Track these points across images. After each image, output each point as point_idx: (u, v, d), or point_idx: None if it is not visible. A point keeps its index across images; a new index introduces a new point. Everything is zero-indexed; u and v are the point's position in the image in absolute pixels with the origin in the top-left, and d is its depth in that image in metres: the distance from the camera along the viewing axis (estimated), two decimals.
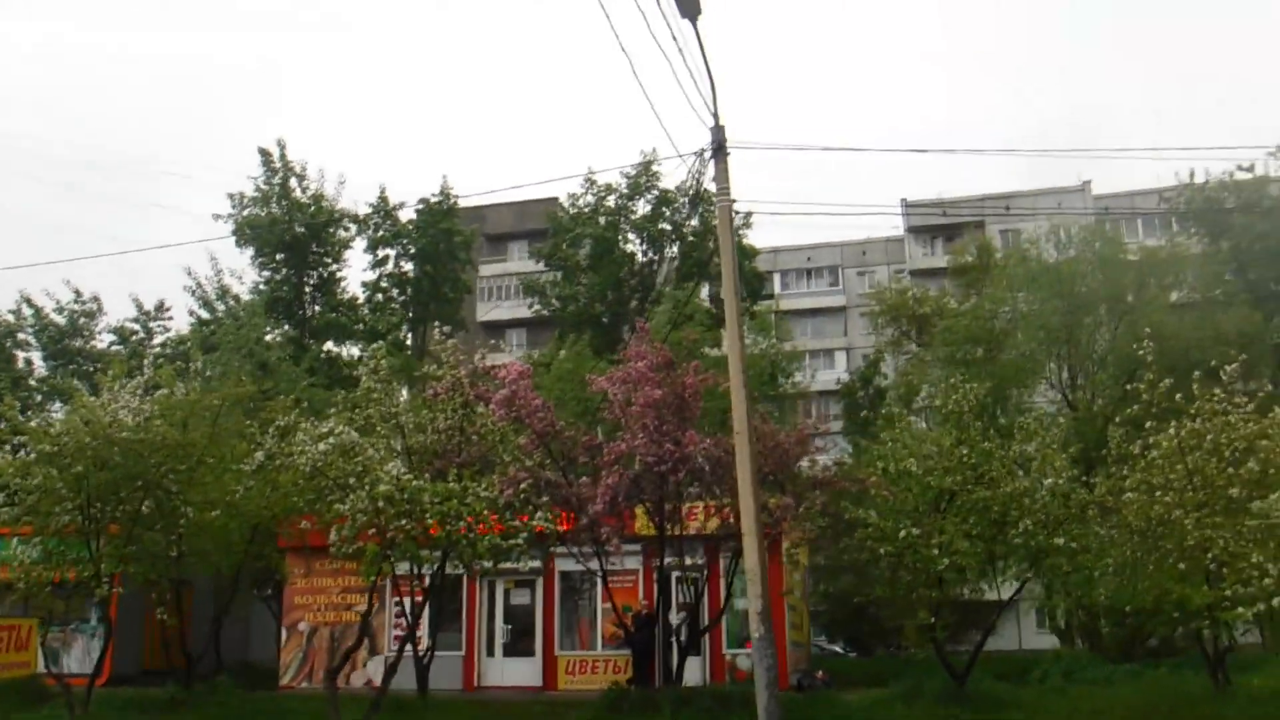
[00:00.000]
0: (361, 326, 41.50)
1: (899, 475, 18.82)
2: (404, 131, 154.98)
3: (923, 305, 41.22)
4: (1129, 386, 19.40)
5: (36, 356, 39.89)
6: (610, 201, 43.58)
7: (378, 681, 22.86)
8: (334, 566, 24.55)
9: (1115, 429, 18.06)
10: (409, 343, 42.98)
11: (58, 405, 35.56)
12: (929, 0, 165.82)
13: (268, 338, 36.99)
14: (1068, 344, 31.10)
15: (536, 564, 23.09)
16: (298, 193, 41.23)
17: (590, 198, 43.90)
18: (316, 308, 41.83)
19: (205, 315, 40.28)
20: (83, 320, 40.05)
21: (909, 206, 65.04)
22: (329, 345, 41.99)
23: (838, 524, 19.74)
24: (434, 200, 42.54)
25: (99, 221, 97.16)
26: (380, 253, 42.95)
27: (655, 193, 43.04)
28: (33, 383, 38.02)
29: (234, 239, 40.12)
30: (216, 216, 40.60)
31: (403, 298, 43.49)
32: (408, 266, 43.25)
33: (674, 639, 22.32)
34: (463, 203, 43.84)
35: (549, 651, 25.63)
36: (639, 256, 44.09)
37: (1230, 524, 15.65)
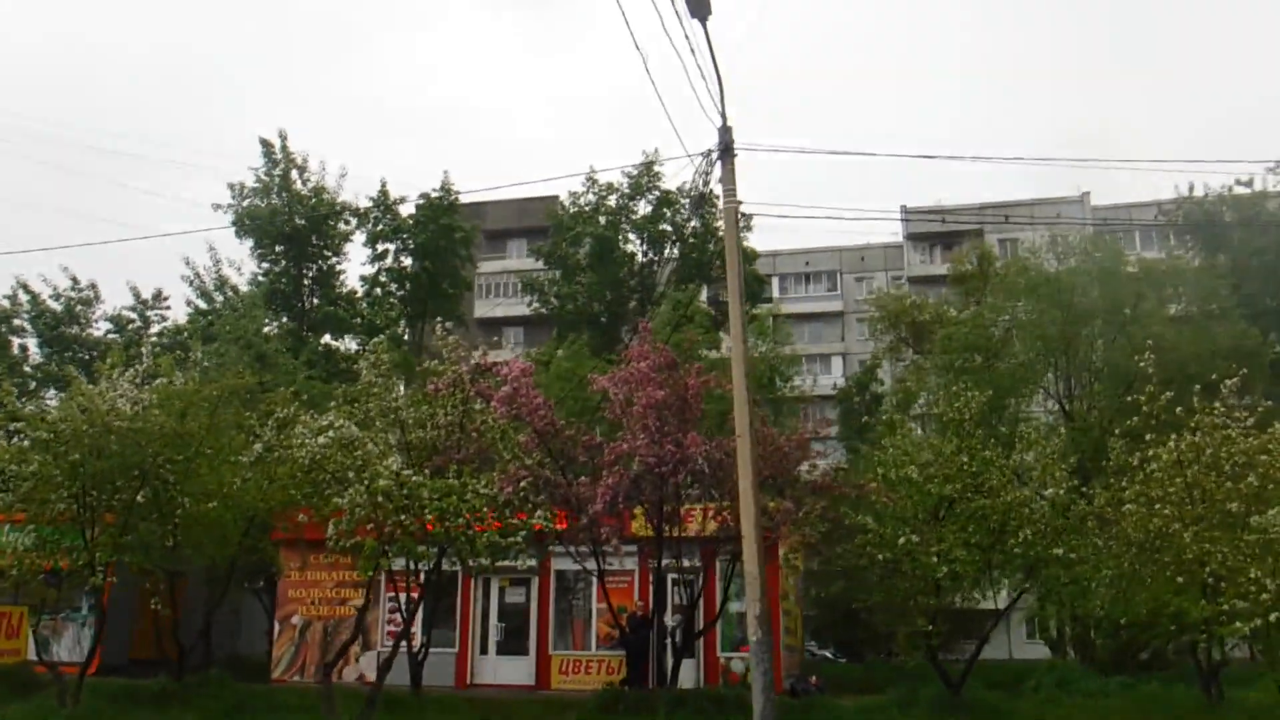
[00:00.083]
0: (359, 321, 41.37)
1: (899, 482, 18.81)
2: (405, 127, 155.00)
3: (922, 312, 41.14)
4: (1129, 399, 19.34)
5: (32, 343, 39.82)
6: (611, 201, 43.46)
7: (370, 677, 22.85)
8: (329, 560, 24.46)
9: (1116, 441, 18.07)
10: (406, 338, 42.84)
11: (52, 392, 35.48)
12: (924, 14, 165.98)
13: (266, 330, 36.90)
14: (1065, 354, 31.07)
15: (532, 562, 23.03)
16: (298, 184, 41.09)
17: (591, 197, 43.78)
18: (315, 300, 41.67)
19: (203, 305, 40.21)
20: (79, 308, 39.96)
21: (908, 213, 64.93)
22: (326, 339, 41.84)
23: (836, 529, 19.71)
24: (435, 195, 42.35)
25: (97, 208, 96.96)
26: (380, 247, 42.72)
27: (657, 193, 42.89)
28: (28, 369, 37.87)
29: (234, 230, 40.00)
30: (216, 206, 40.45)
31: (401, 293, 43.32)
32: (407, 261, 43.07)
33: (669, 640, 22.32)
34: (463, 199, 43.67)
35: (542, 651, 25.60)
36: (639, 257, 43.97)
37: (1228, 538, 15.70)
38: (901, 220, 68.16)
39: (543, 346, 42.95)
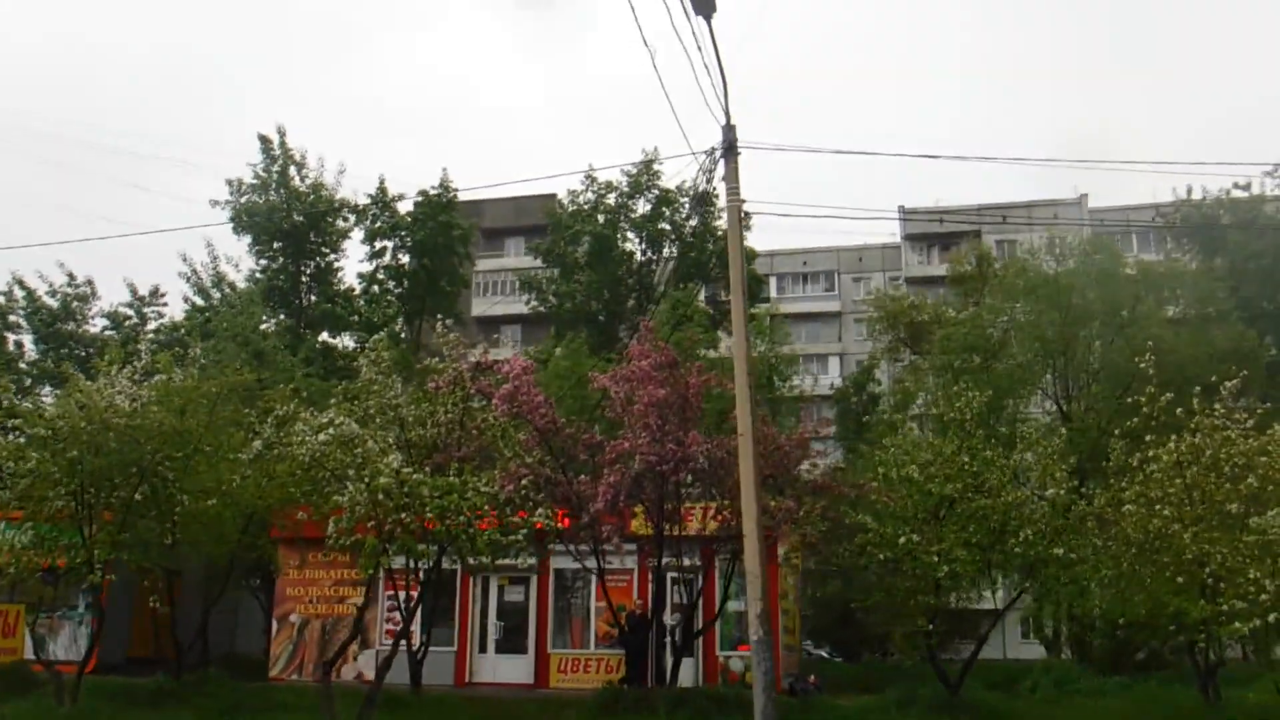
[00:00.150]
0: (357, 318, 41.28)
1: (900, 481, 18.81)
2: (405, 127, 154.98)
3: (921, 312, 41.13)
4: (1129, 400, 19.39)
5: (28, 340, 39.58)
6: (610, 200, 43.41)
7: (368, 675, 22.79)
8: (327, 559, 24.41)
9: (1116, 441, 18.09)
10: (404, 336, 42.72)
11: (48, 389, 35.39)
12: (924, 14, 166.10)
13: (264, 327, 36.82)
14: (1064, 356, 31.08)
15: (532, 561, 23.02)
16: (296, 181, 40.95)
17: (590, 195, 43.73)
18: (313, 298, 41.55)
19: (200, 302, 40.11)
20: (76, 304, 39.74)
21: (906, 214, 64.95)
22: (324, 336, 41.75)
23: (837, 529, 19.71)
24: (433, 193, 42.22)
25: (96, 206, 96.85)
26: (378, 244, 42.54)
27: (656, 192, 42.86)
28: (23, 366, 37.71)
29: (232, 226, 39.87)
30: (214, 203, 40.25)
31: (399, 290, 43.21)
32: (405, 259, 42.95)
33: (669, 639, 22.33)
34: (461, 197, 43.56)
35: (541, 649, 25.59)
36: (637, 256, 43.93)
37: (1228, 539, 15.75)
38: (899, 220, 68.25)
39: (540, 345, 42.90)
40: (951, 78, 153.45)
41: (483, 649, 26.13)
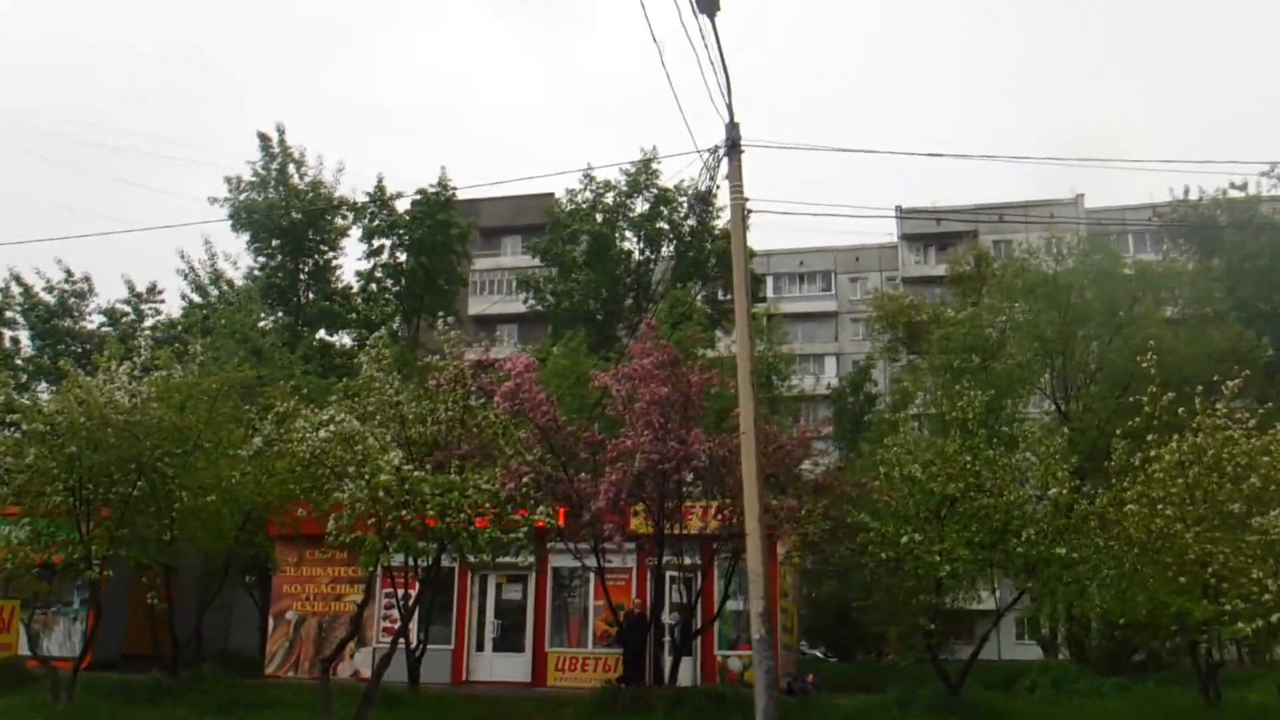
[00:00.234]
0: (355, 316, 41.22)
1: (902, 480, 18.77)
2: (405, 127, 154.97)
3: (920, 312, 41.14)
4: (1131, 399, 19.36)
5: (24, 335, 39.49)
6: (609, 199, 43.36)
7: (365, 673, 22.82)
8: (325, 556, 24.44)
9: (1118, 441, 18.06)
10: (401, 334, 42.67)
11: (44, 385, 35.30)
12: (924, 15, 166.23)
13: (261, 324, 36.75)
14: (1062, 356, 31.06)
15: (532, 559, 22.98)
16: (295, 179, 40.91)
17: (589, 194, 43.68)
18: (311, 295, 41.48)
19: (198, 299, 40.01)
20: (73, 300, 39.60)
21: (904, 213, 64.97)
22: (321, 334, 41.68)
23: (838, 528, 19.68)
24: (432, 191, 42.22)
25: (96, 204, 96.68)
26: (376, 242, 42.56)
27: (654, 191, 42.83)
28: (19, 362, 37.60)
29: (230, 224, 39.82)
30: (213, 200, 40.26)
31: (396, 289, 43.17)
32: (403, 257, 42.92)
33: (669, 638, 22.29)
34: (459, 195, 43.53)
35: (539, 647, 25.53)
36: (635, 255, 43.89)
37: (1230, 539, 15.70)
38: (896, 219, 68.23)
39: (538, 344, 42.86)
40: (951, 78, 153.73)
41: (480, 647, 26.07)
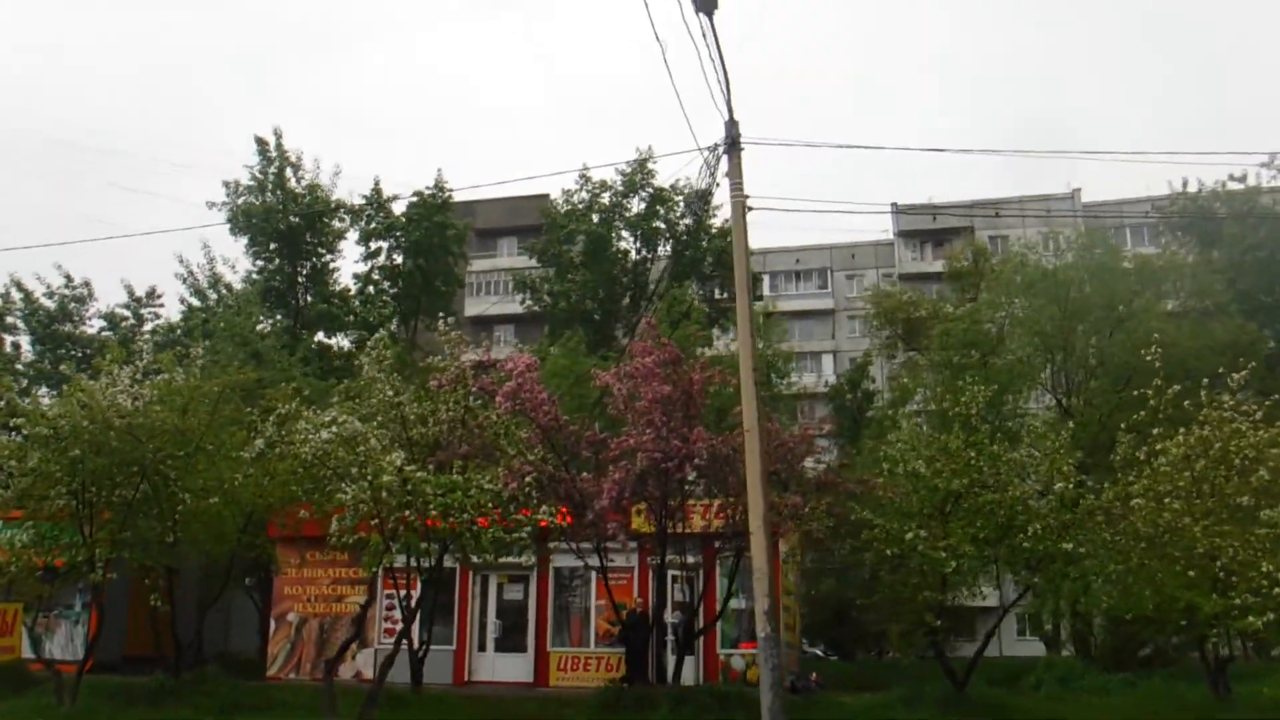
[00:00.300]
0: (353, 318, 41.19)
1: (906, 476, 18.70)
2: (404, 128, 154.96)
3: (918, 308, 41.13)
4: (1135, 393, 19.28)
5: (25, 341, 39.54)
6: (605, 199, 43.31)
7: (367, 674, 22.78)
8: (326, 557, 24.36)
9: (1123, 435, 18.00)
10: (399, 336, 42.59)
11: (44, 390, 35.28)
12: (924, 14, 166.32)
13: (260, 327, 36.72)
14: (1063, 350, 31.03)
15: (532, 559, 22.92)
16: (293, 182, 40.84)
17: (585, 194, 43.63)
18: (309, 298, 41.42)
19: (197, 303, 39.95)
20: (73, 305, 39.68)
21: (899, 209, 64.95)
22: (319, 336, 41.63)
23: (841, 525, 19.62)
24: (428, 193, 42.22)
25: (91, 208, 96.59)
26: (373, 245, 42.55)
27: (650, 190, 42.78)
28: (20, 367, 37.60)
29: (229, 227, 39.79)
30: (211, 204, 40.30)
31: (394, 290, 43.14)
32: (400, 259, 42.90)
33: (672, 637, 22.23)
34: (456, 197, 43.53)
35: (541, 647, 25.44)
36: (632, 254, 43.84)
37: (1239, 532, 15.63)
38: (892, 216, 68.21)
39: (535, 344, 42.81)
40: (952, 77, 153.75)
41: (482, 647, 25.99)
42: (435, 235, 42.16)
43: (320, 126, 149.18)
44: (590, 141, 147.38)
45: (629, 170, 42.56)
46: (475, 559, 18.39)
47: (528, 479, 18.82)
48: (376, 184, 42.24)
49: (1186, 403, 16.98)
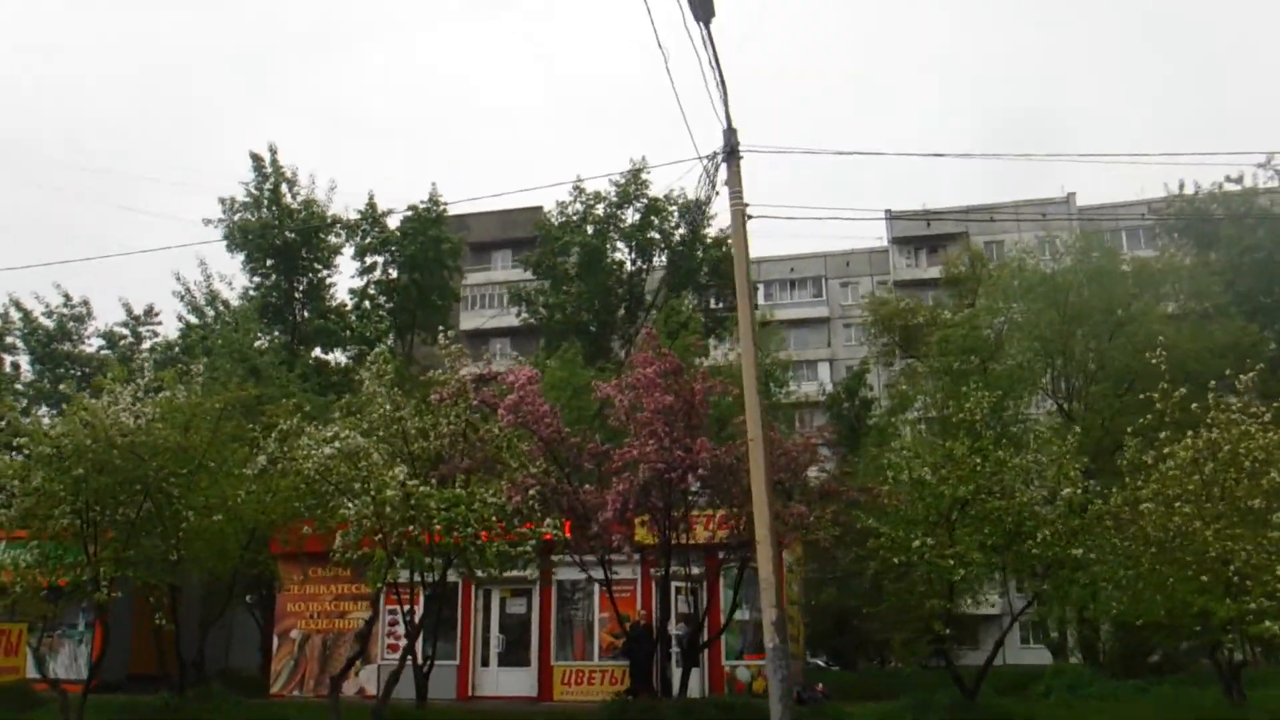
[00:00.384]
0: (349, 333, 41.08)
1: (911, 484, 18.58)
2: (402, 128, 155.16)
3: (916, 315, 41.04)
4: (1139, 396, 19.15)
5: (24, 360, 39.38)
6: (599, 210, 43.22)
7: (370, 690, 22.70)
8: (329, 574, 24.27)
9: (1130, 439, 17.90)
10: (395, 350, 42.46)
11: (44, 410, 35.15)
12: (924, 15, 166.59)
13: (258, 343, 36.62)
14: (1063, 355, 30.97)
15: (535, 572, 22.82)
16: (288, 198, 40.75)
17: (579, 206, 43.53)
18: (306, 314, 41.32)
19: (194, 320, 39.81)
20: (71, 324, 39.53)
21: (893, 215, 65.00)
22: (317, 352, 41.52)
23: (847, 533, 19.52)
24: (423, 208, 42.18)
25: (87, 227, 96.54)
26: (368, 260, 42.50)
27: (644, 201, 42.69)
28: (19, 387, 37.45)
29: (225, 244, 39.66)
30: (207, 221, 40.26)
31: (390, 305, 43.05)
32: (395, 274, 42.82)
33: (679, 649, 22.12)
34: (450, 211, 43.47)
35: (545, 661, 25.36)
36: (627, 265, 43.75)
37: (1252, 536, 15.50)
38: (886, 222, 68.19)
39: (531, 357, 42.71)
40: (951, 78, 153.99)
41: (485, 662, 25.90)
42: (430, 249, 42.12)
43: (320, 127, 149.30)
44: (590, 142, 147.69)
45: (623, 181, 42.47)
46: (480, 573, 18.26)
47: (531, 492, 18.73)
48: (371, 198, 42.30)
49: (1194, 405, 16.89)
